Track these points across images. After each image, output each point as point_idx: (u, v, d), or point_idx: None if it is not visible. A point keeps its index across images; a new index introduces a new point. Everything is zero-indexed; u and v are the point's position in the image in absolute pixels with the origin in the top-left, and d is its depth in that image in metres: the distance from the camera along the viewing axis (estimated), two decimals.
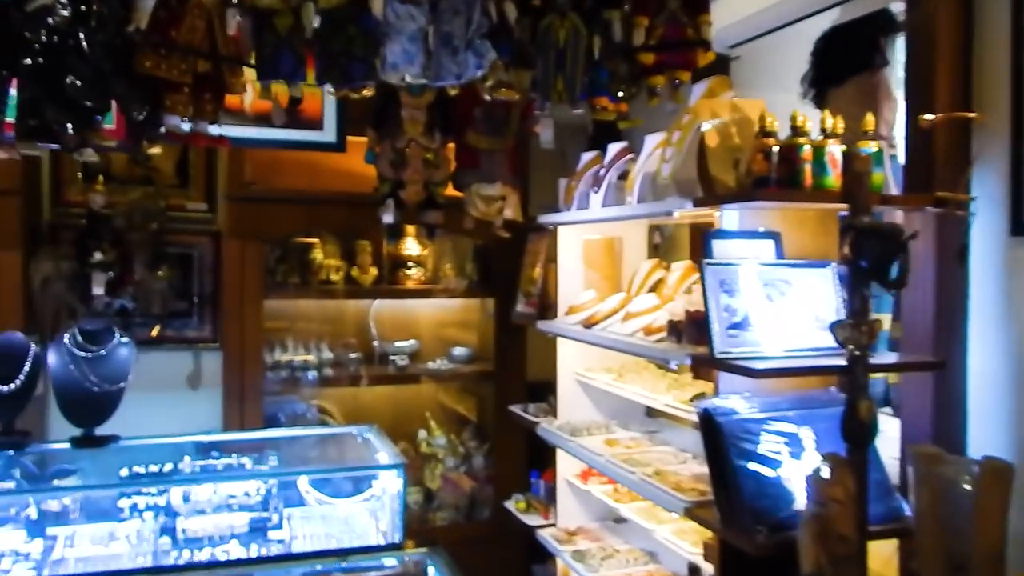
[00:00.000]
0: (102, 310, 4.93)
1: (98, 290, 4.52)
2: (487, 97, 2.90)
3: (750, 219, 3.11)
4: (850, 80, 3.38)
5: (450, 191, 4.61)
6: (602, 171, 4.43)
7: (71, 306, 4.71)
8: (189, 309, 5.23)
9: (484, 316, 5.89)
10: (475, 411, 5.97)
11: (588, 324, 4.14)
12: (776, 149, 2.90)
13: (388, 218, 4.46)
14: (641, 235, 4.72)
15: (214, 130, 3.01)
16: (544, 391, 5.04)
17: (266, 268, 5.28)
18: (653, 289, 4.30)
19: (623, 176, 4.34)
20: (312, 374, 5.33)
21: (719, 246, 3.08)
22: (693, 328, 3.14)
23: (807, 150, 2.65)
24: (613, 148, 4.42)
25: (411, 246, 5.65)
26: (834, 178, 2.67)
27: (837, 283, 2.83)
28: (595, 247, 4.84)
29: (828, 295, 2.81)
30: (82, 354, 3.66)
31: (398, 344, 5.62)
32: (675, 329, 3.31)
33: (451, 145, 4.60)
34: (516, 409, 5.06)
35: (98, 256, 4.56)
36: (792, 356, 2.62)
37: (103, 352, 3.72)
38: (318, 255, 5.48)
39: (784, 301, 2.75)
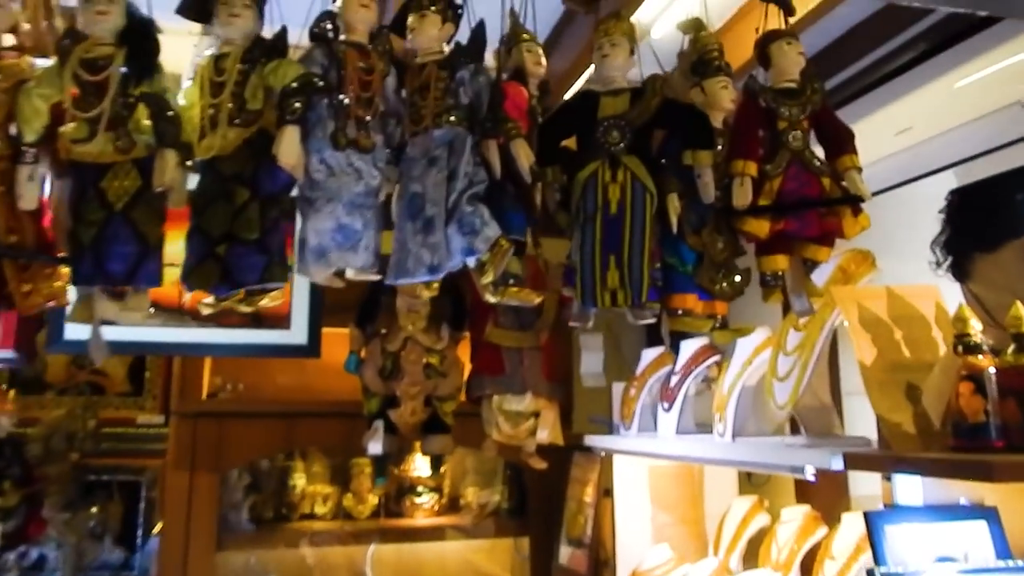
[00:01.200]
0: (13, 564, 3.71)
1: None
2: (490, 300, 1.72)
3: (947, 485, 1.89)
4: (1007, 245, 2.58)
5: (463, 403, 3.33)
6: (674, 377, 3.15)
7: None
8: (127, 559, 3.95)
9: (518, 561, 4.44)
10: None
11: None
12: (992, 372, 1.66)
13: (375, 448, 3.16)
14: None
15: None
16: None
17: (230, 502, 3.98)
18: (754, 546, 2.94)
19: (705, 385, 3.07)
20: None
21: (894, 536, 1.78)
22: None
23: None
24: (690, 345, 3.14)
25: (420, 465, 4.34)
26: None
27: None
28: (666, 479, 3.53)
29: None
30: None
31: None
32: None
33: (464, 342, 3.35)
34: None
35: None
36: None
37: None
38: (299, 480, 4.20)
39: None
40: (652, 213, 1.69)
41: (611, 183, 1.70)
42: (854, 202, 1.83)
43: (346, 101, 1.58)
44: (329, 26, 1.60)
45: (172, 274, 1.58)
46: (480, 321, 3.22)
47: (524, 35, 1.80)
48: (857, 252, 2.44)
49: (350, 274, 1.68)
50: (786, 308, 2.04)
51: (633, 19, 1.96)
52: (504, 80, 1.71)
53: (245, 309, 1.56)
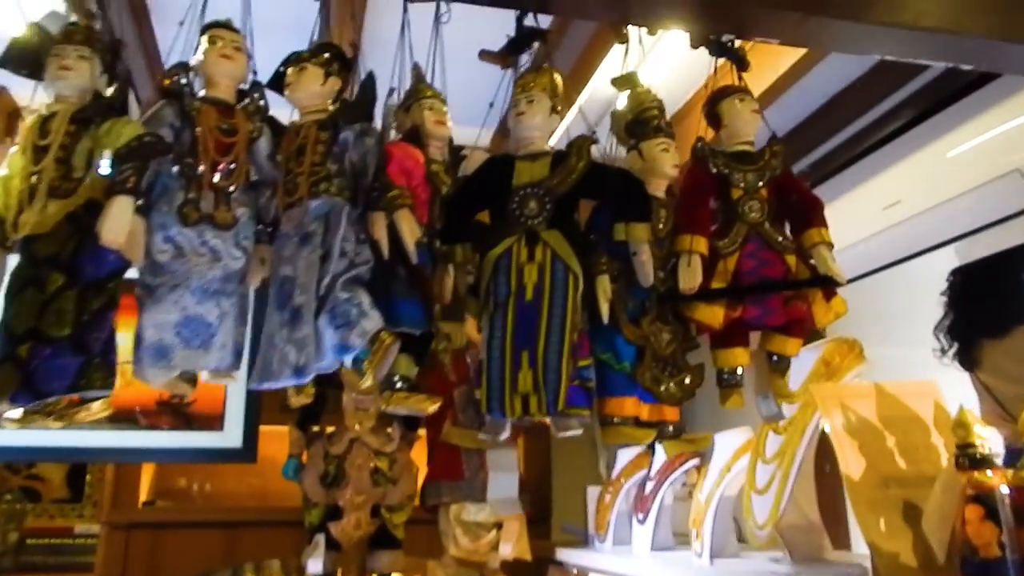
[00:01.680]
0: None
1: None
2: (386, 409, 1.40)
3: None
4: (1016, 330, 2.30)
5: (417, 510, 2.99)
6: (649, 483, 2.81)
7: None
8: None
9: None
10: None
11: None
12: (1005, 493, 1.35)
13: (315, 567, 2.81)
14: None
15: None
16: None
17: None
18: None
19: (686, 490, 2.74)
20: None
21: None
22: None
23: None
24: (666, 447, 2.80)
25: None
26: None
27: None
28: None
29: None
30: None
31: None
32: None
33: (420, 442, 3.04)
34: None
35: None
36: None
37: None
38: None
39: None
40: (576, 299, 1.38)
41: (527, 263, 1.40)
42: (824, 284, 1.53)
43: (199, 168, 1.31)
44: (183, 80, 1.34)
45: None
46: (437, 419, 2.88)
47: (427, 91, 1.54)
48: (842, 342, 2.13)
49: (205, 377, 1.37)
50: None
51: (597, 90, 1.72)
52: (393, 141, 1.44)
53: (54, 425, 1.26)
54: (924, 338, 2.42)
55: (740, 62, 1.70)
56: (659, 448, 2.78)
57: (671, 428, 1.57)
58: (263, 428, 3.15)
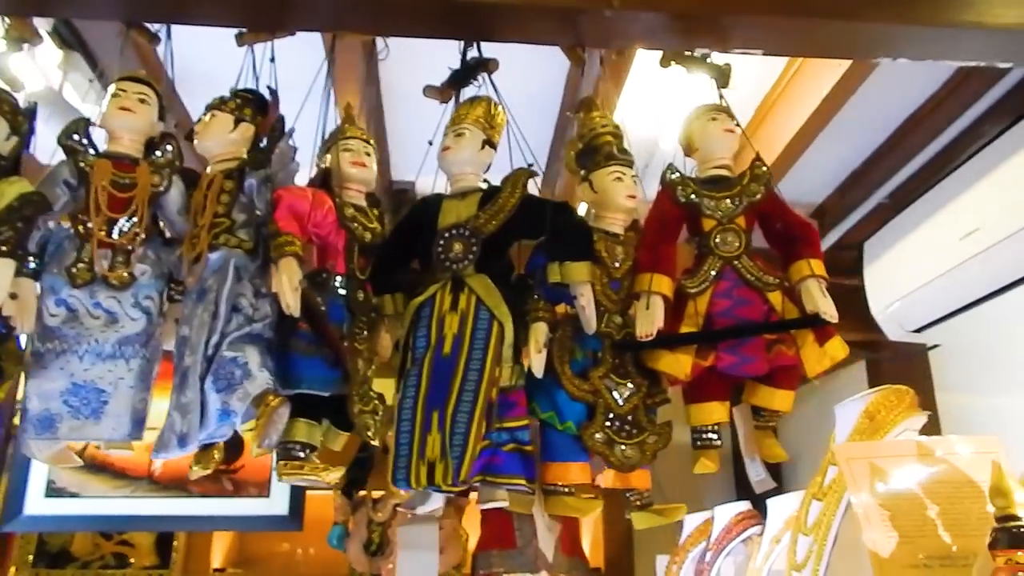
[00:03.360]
0: None
1: None
2: (280, 480, 1.26)
3: None
4: None
5: None
6: (709, 553, 2.51)
7: None
8: None
9: None
10: None
11: None
12: None
13: None
14: None
15: None
16: None
17: None
18: None
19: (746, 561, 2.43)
20: None
21: None
22: None
23: None
24: (725, 512, 2.53)
25: None
26: None
27: None
28: None
29: None
30: None
31: None
32: None
33: (471, 507, 2.88)
34: None
35: None
36: None
37: None
38: None
39: None
40: (497, 351, 1.20)
41: (449, 312, 1.24)
42: (810, 324, 1.28)
43: (88, 225, 1.25)
44: (77, 136, 1.29)
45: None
46: None
47: (348, 132, 1.41)
48: (892, 391, 1.79)
49: (102, 447, 1.28)
50: None
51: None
52: (295, 185, 1.32)
53: None
54: None
55: (721, 77, 1.50)
56: (718, 512, 2.50)
57: (640, 496, 1.34)
58: (312, 494, 3.09)
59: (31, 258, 1.23)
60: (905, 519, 1.44)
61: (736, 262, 1.34)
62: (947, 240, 2.31)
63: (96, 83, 1.91)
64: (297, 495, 2.97)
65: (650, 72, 1.70)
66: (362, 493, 2.98)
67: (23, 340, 1.26)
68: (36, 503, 2.86)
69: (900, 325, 2.60)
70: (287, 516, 2.95)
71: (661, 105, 2.02)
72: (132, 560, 3.99)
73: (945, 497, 1.46)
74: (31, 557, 3.73)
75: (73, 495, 2.88)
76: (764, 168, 1.40)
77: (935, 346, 2.72)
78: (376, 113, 1.45)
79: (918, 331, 2.54)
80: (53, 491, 2.87)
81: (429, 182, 1.52)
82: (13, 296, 1.19)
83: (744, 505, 2.45)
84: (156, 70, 1.50)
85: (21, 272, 1.20)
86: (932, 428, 1.74)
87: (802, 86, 2.20)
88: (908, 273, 2.51)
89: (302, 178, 1.40)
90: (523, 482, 1.24)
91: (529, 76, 1.50)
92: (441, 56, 1.49)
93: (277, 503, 2.95)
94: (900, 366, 2.69)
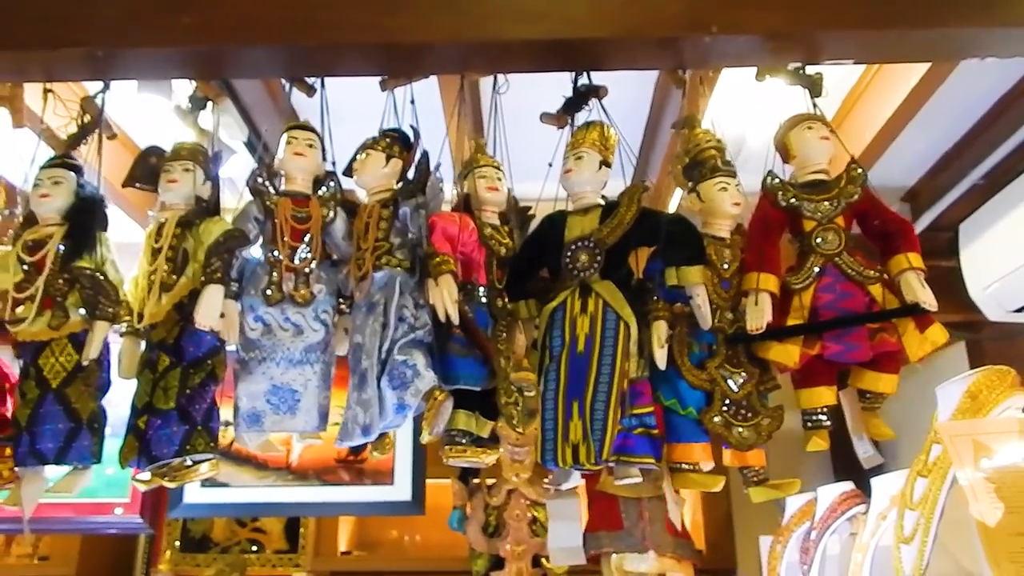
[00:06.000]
0: None
1: None
2: (446, 463, 1.48)
3: None
4: None
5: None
6: (813, 532, 2.62)
7: None
8: None
9: None
10: None
11: None
12: None
13: None
14: None
15: None
16: None
17: None
18: None
19: (852, 539, 2.51)
20: None
21: None
22: None
23: None
24: (830, 491, 2.63)
25: None
26: None
27: None
28: None
29: None
30: None
31: None
32: None
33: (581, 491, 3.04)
34: None
35: None
36: None
37: None
38: None
39: None
40: (626, 347, 1.39)
41: (580, 315, 1.44)
42: (910, 313, 1.41)
43: (276, 253, 1.50)
44: (260, 179, 1.53)
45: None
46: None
47: (481, 160, 1.62)
48: (993, 372, 1.90)
49: (295, 438, 1.53)
50: None
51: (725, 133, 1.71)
52: (445, 211, 1.54)
53: (169, 485, 1.46)
54: None
55: (813, 87, 1.64)
56: (821, 492, 2.61)
57: (755, 473, 1.51)
58: (432, 481, 3.33)
59: (233, 283, 1.49)
60: (1010, 491, 1.56)
61: (837, 259, 1.49)
62: None
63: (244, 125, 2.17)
64: (419, 483, 3.22)
65: (735, 78, 1.85)
66: (477, 480, 3.18)
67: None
68: (194, 493, 3.20)
69: (1000, 305, 2.65)
70: (410, 502, 3.20)
71: (746, 105, 2.15)
72: (265, 544, 4.31)
73: None
74: (178, 543, 4.10)
75: (223, 485, 3.21)
76: (859, 170, 1.54)
77: None
78: (501, 139, 1.65)
79: (1019, 311, 2.59)
80: (207, 482, 3.20)
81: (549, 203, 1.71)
82: (221, 315, 1.44)
83: (848, 485, 2.56)
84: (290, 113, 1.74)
85: (227, 295, 1.46)
86: None
87: (892, 70, 2.27)
88: (1007, 253, 2.56)
89: None
90: (652, 461, 1.42)
91: (617, 97, 1.66)
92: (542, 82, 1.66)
93: (401, 490, 3.21)
94: (1001, 346, 2.73)
